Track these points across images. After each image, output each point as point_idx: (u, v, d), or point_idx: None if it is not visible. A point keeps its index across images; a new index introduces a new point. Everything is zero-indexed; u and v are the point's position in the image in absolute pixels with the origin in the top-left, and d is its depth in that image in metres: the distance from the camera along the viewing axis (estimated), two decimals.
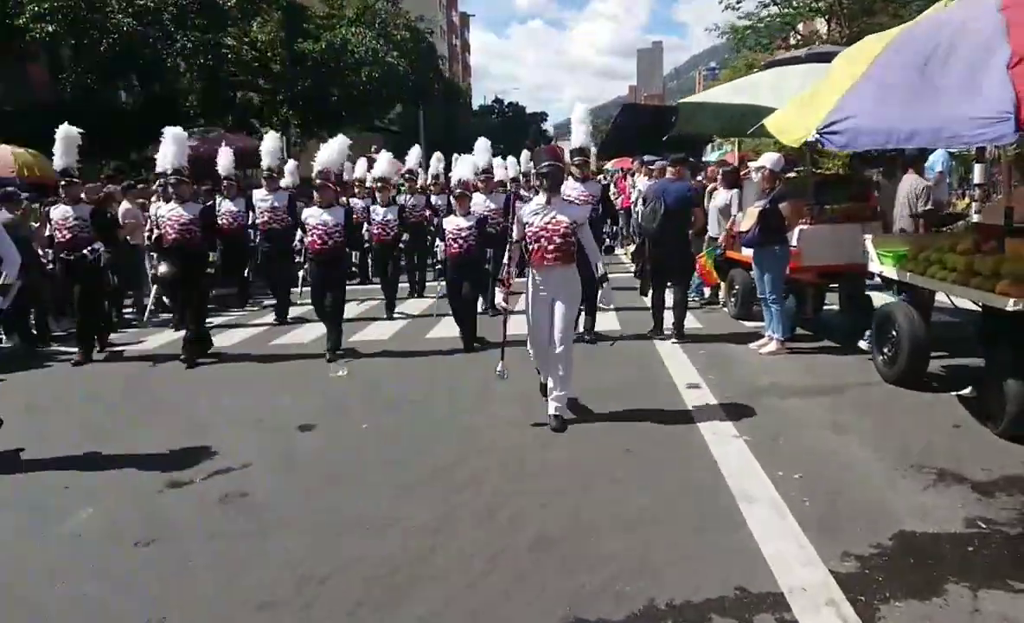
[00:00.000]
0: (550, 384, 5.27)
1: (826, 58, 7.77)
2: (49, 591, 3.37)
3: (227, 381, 7.16)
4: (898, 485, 4.08)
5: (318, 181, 7.92)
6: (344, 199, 11.38)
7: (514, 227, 5.27)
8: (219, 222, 10.32)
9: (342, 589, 3.23)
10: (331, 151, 8.35)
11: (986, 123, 4.16)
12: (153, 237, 8.03)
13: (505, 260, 5.44)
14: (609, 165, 23.62)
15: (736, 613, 2.92)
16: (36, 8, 16.27)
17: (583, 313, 7.03)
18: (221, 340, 8.69)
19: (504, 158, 13.67)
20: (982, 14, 4.73)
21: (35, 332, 9.02)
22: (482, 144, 10.03)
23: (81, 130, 7.84)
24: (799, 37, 25.19)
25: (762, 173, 7.23)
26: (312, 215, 7.72)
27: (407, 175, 12.30)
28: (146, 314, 10.13)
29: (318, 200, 7.84)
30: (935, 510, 3.74)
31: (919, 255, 5.70)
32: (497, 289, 5.20)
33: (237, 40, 21.28)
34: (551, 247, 5.11)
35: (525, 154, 17.78)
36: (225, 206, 10.74)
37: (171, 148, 7.79)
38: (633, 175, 17.69)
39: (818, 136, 4.84)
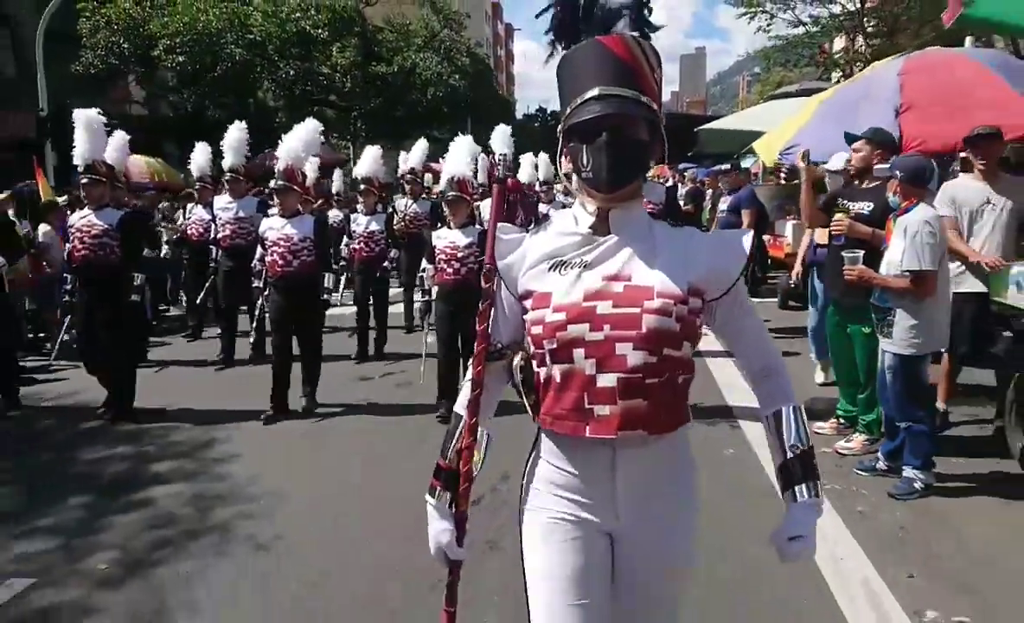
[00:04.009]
0: None
1: (811, 93, 10.25)
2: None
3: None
4: None
5: (280, 183, 6.14)
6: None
7: (493, 311, 1.78)
8: (188, 231, 9.49)
9: None
10: (297, 139, 6.41)
11: None
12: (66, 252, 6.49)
13: (459, 407, 1.82)
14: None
15: None
16: (168, 42, 19.55)
17: None
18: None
19: (536, 155, 11.27)
20: (887, 77, 7.23)
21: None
22: (500, 133, 8.21)
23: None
24: (825, 55, 27.41)
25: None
26: (272, 227, 6.13)
27: (409, 175, 10.46)
28: (54, 352, 7.96)
29: (280, 207, 6.23)
30: None
31: None
32: (431, 507, 1.78)
33: (327, 66, 24.24)
34: (614, 383, 1.56)
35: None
36: (196, 213, 9.29)
37: (83, 136, 6.03)
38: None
39: (779, 156, 7.40)
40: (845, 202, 5.17)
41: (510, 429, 2.37)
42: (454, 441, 1.78)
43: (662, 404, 1.60)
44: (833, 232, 4.95)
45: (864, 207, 5.01)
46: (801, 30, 26.43)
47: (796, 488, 1.68)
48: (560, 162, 1.71)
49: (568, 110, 1.61)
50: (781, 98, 11.83)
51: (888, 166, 4.68)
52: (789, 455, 1.70)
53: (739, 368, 1.84)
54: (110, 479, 5.22)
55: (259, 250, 6.49)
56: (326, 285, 6.54)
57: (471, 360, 1.77)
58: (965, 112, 6.27)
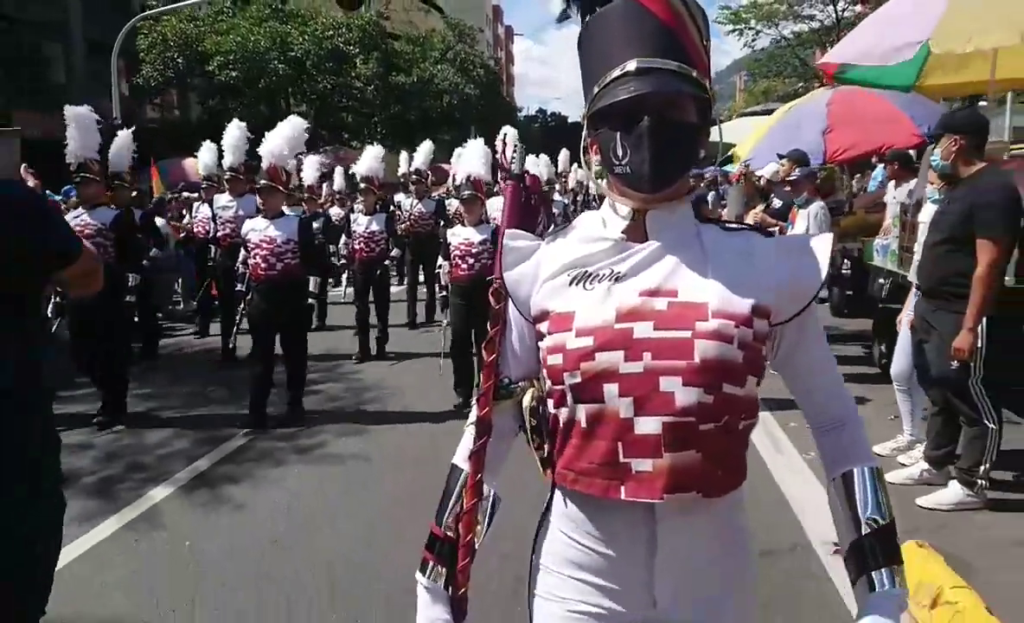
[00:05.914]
0: None
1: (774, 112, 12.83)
2: None
3: None
4: None
5: (263, 181, 6.11)
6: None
7: (508, 340, 1.44)
8: (194, 229, 9.70)
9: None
10: (281, 138, 6.33)
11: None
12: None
13: (458, 459, 1.50)
14: None
15: None
16: (222, 59, 22.17)
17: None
18: None
19: (537, 155, 11.84)
20: (818, 105, 9.76)
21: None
22: (510, 132, 7.51)
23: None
24: (805, 66, 30.03)
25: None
26: (255, 228, 6.04)
27: (415, 175, 10.74)
28: None
29: (263, 207, 6.18)
30: None
31: None
32: (422, 588, 1.44)
33: (357, 77, 26.75)
34: (657, 429, 1.23)
35: (564, 154, 16.11)
36: (202, 211, 9.48)
37: (74, 134, 6.03)
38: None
39: (741, 162, 9.97)
40: (770, 200, 7.78)
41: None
42: (451, 503, 1.45)
43: (719, 457, 1.25)
44: (752, 222, 7.53)
45: (777, 203, 7.62)
46: (783, 44, 29.12)
47: (874, 574, 1.29)
48: (587, 155, 1.38)
49: (596, 90, 1.27)
50: (749, 116, 14.47)
51: (798, 173, 7.19)
52: (865, 531, 1.31)
53: (804, 416, 1.45)
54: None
55: (242, 253, 6.37)
56: (311, 289, 6.35)
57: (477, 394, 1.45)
58: (868, 131, 8.89)
